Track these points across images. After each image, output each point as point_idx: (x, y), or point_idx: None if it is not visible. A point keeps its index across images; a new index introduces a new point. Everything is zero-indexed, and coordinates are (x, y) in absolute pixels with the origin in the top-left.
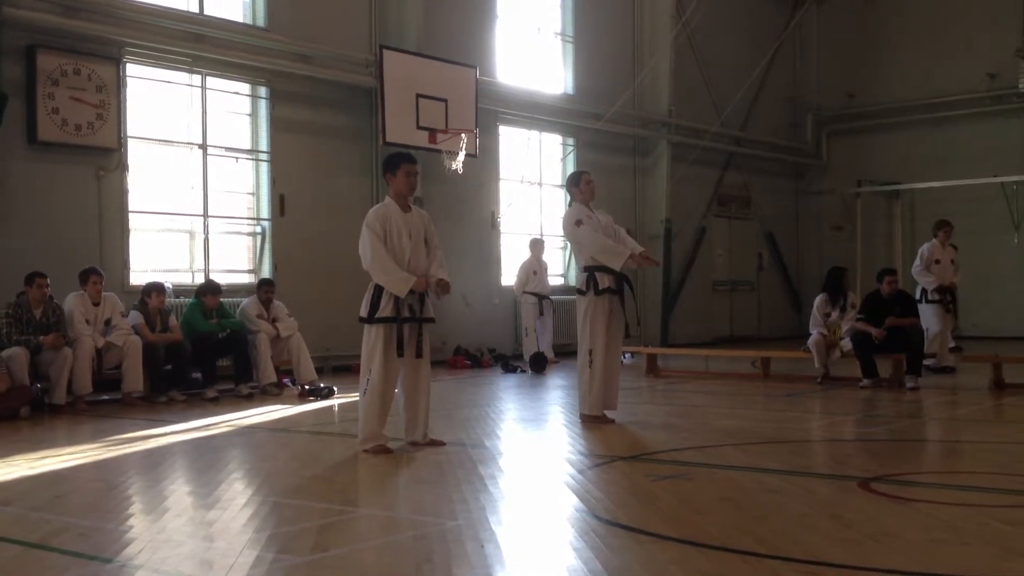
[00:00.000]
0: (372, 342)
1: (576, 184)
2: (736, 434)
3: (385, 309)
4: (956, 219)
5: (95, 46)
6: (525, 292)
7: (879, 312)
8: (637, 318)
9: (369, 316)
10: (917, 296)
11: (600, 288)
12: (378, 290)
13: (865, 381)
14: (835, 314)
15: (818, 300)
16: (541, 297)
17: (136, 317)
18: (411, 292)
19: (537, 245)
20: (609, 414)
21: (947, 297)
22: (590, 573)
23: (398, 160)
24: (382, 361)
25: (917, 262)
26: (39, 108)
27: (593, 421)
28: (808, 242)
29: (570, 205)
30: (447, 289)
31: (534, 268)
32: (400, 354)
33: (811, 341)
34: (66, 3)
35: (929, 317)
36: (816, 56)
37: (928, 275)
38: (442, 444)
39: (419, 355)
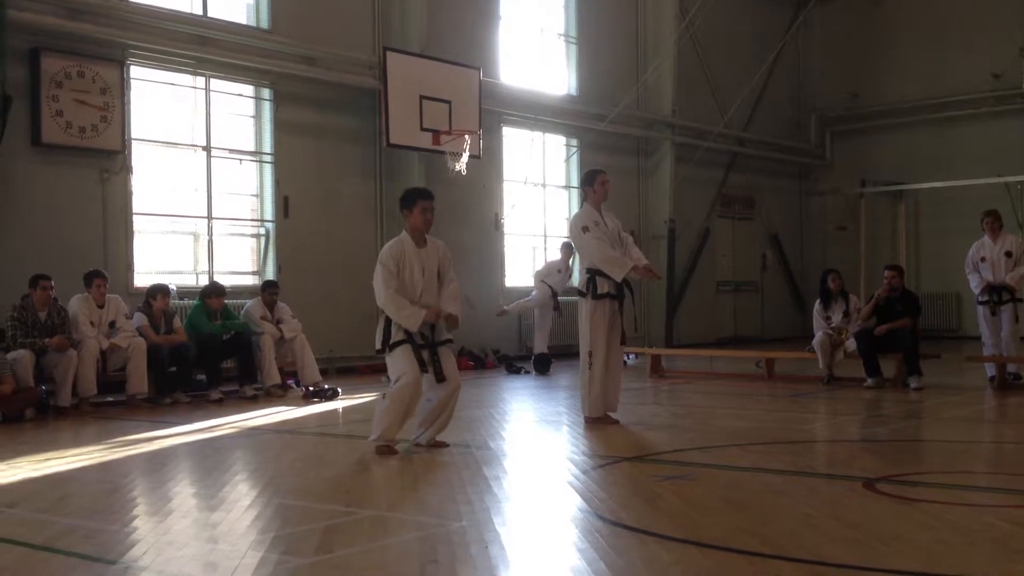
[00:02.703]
0: (397, 361)
1: (590, 183)
2: (740, 435)
3: (397, 336)
4: (960, 220)
5: (99, 48)
6: (543, 281)
7: (880, 309)
8: (635, 324)
9: (383, 346)
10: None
11: (599, 292)
12: (389, 322)
13: (869, 381)
14: (835, 318)
15: (816, 307)
16: (555, 294)
17: (140, 319)
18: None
19: (567, 249)
20: (612, 415)
21: (994, 298)
22: (594, 574)
23: (415, 196)
24: (413, 374)
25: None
26: (43, 110)
27: (595, 423)
28: (812, 242)
29: (582, 206)
30: (455, 324)
31: (559, 267)
32: (425, 371)
33: (816, 341)
34: (70, 5)
35: (979, 321)
36: (819, 56)
37: (974, 275)
38: (446, 446)
39: (440, 379)
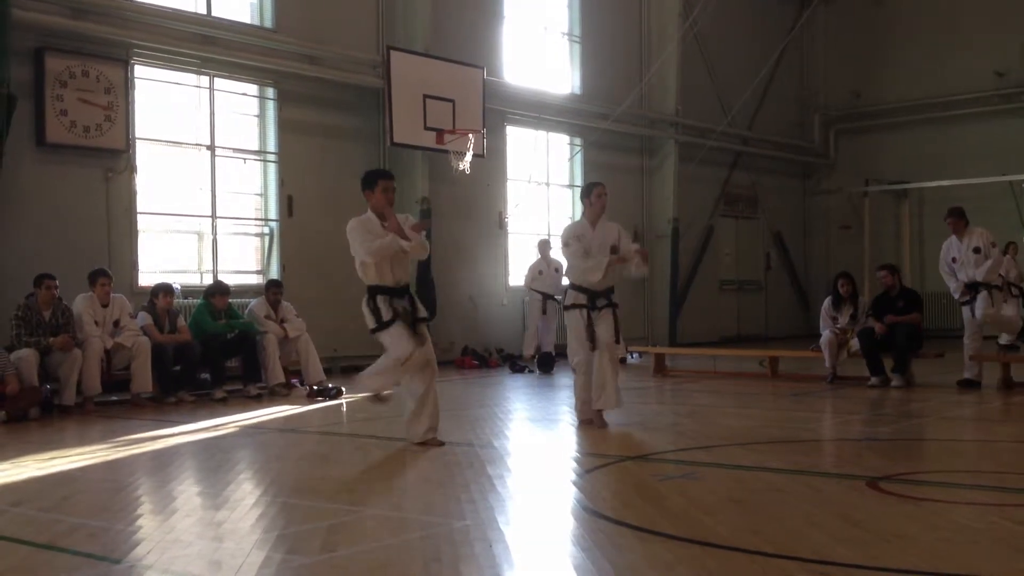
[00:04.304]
0: (395, 339)
1: (587, 196)
2: (744, 434)
3: (388, 315)
4: None
5: (103, 48)
6: (532, 289)
7: (883, 309)
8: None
9: (379, 325)
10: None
11: (566, 303)
12: (375, 300)
13: (873, 380)
14: (841, 319)
15: (825, 304)
16: (547, 296)
17: (144, 318)
18: (399, 296)
19: (544, 246)
20: (605, 417)
21: (967, 297)
22: (598, 572)
23: (375, 176)
24: (410, 348)
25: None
26: (47, 110)
27: (586, 424)
28: (815, 241)
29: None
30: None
31: (540, 268)
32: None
33: (823, 340)
34: (74, 5)
35: (964, 321)
36: (823, 55)
37: (951, 279)
38: (440, 444)
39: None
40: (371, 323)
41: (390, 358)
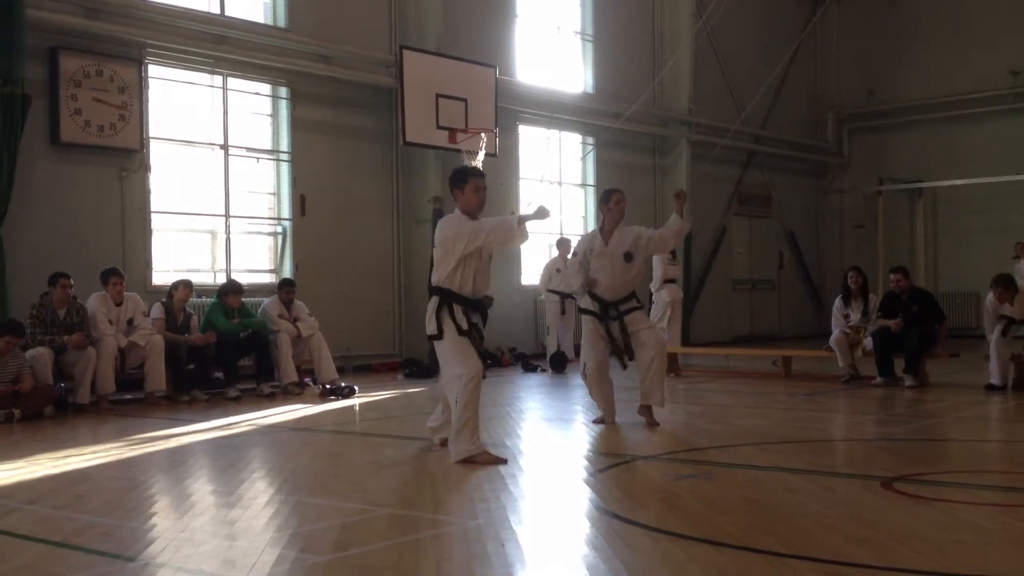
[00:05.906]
0: (459, 352)
1: (605, 203)
2: (757, 434)
3: (461, 327)
4: (978, 217)
5: (117, 47)
6: (548, 290)
7: (894, 310)
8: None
9: (439, 332)
10: None
11: (580, 306)
12: (441, 307)
13: (878, 379)
14: (854, 316)
15: (836, 303)
16: (564, 296)
17: (158, 310)
18: (475, 309)
19: (563, 245)
20: (625, 415)
21: None
22: (610, 572)
23: (465, 174)
24: (477, 367)
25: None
26: (62, 109)
27: (598, 422)
28: (829, 241)
29: (599, 221)
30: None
31: (557, 267)
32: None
33: (832, 339)
34: (88, 5)
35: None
36: (836, 54)
37: None
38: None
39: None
40: (432, 329)
41: (461, 395)
